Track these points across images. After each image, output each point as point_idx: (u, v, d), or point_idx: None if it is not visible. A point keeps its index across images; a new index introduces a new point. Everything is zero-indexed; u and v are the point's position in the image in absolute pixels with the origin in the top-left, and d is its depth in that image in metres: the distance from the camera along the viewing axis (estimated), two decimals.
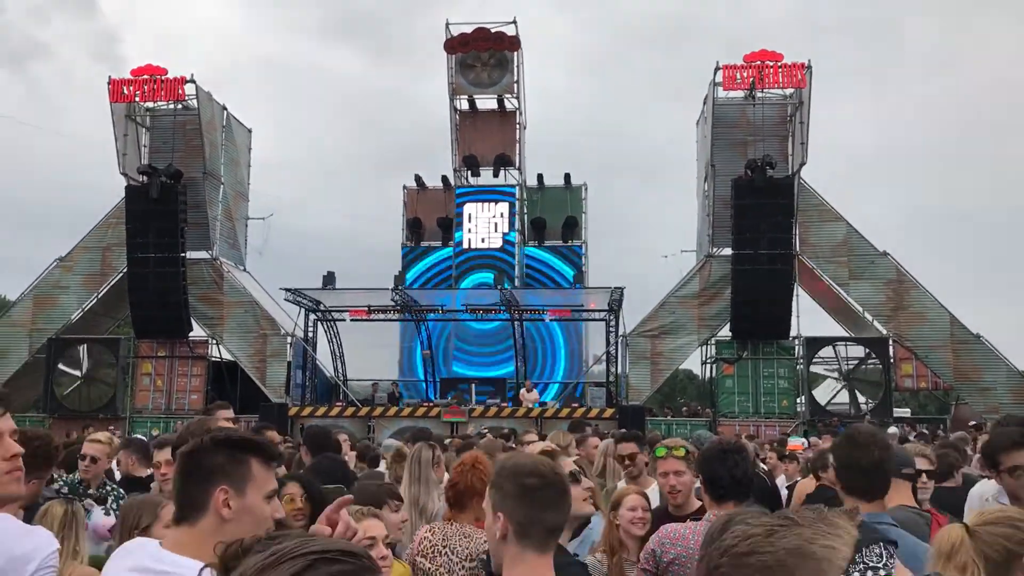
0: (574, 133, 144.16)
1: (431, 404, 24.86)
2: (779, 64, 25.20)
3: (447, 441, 10.58)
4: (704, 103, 27.03)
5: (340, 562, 1.27)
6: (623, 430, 8.87)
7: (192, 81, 26.56)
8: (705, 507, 4.47)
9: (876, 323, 25.74)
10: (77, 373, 27.11)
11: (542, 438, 10.03)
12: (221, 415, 6.02)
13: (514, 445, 9.80)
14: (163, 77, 26.50)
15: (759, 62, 25.24)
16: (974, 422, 20.61)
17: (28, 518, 3.13)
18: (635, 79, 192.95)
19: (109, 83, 26.38)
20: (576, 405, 25.13)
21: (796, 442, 11.37)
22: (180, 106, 26.97)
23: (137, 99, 26.67)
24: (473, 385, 26.14)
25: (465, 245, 29.60)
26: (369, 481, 5.14)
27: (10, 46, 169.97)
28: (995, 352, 25.12)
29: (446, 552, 3.93)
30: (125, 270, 26.56)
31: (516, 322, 27.03)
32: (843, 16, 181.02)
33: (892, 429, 20.30)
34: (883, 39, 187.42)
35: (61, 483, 5.23)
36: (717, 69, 25.48)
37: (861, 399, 25.81)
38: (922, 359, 25.25)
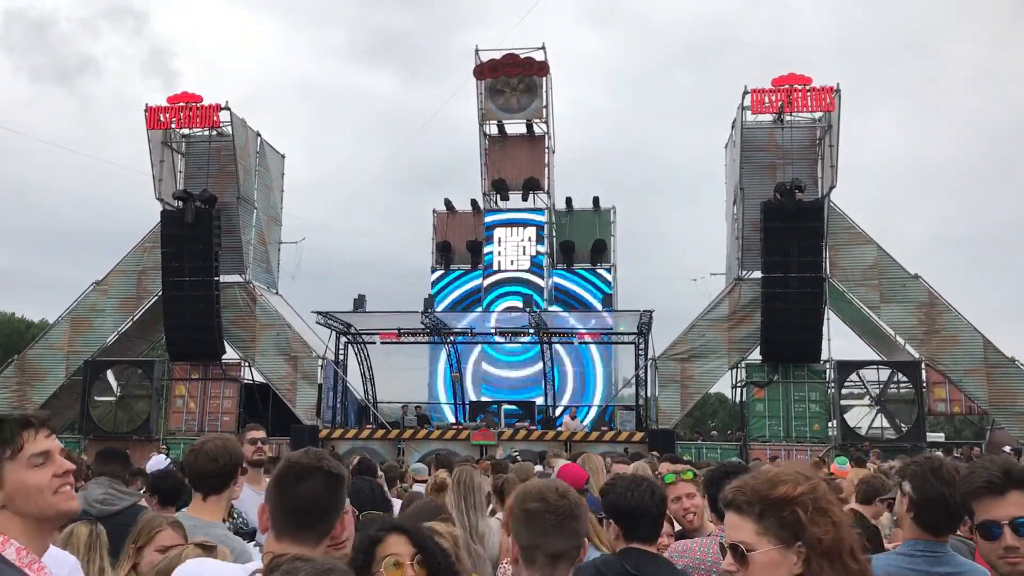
0: (604, 153, 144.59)
1: (461, 427, 24.94)
2: (808, 88, 25.19)
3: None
4: (732, 126, 27.07)
5: None
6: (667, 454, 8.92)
7: (227, 108, 27.06)
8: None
9: (908, 347, 25.51)
10: (112, 395, 27.57)
11: (573, 458, 10.10)
12: (251, 435, 6.17)
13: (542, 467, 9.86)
14: (198, 104, 27.02)
15: (787, 86, 25.26)
16: (1010, 447, 20.39)
17: None
18: (666, 99, 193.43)
19: (146, 111, 26.94)
20: (606, 428, 25.09)
21: (842, 467, 9.86)
22: (215, 133, 27.46)
23: (173, 126, 27.21)
24: (503, 408, 26.21)
25: (494, 268, 29.75)
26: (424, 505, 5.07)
27: (60, 60, 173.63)
28: None
29: None
30: (160, 294, 26.99)
31: (545, 344, 27.10)
32: (879, 33, 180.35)
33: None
34: (919, 56, 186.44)
35: None
36: (745, 93, 25.52)
37: (892, 424, 25.57)
38: (955, 383, 24.96)
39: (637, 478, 3.62)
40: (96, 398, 27.19)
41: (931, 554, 2.99)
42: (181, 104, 27.06)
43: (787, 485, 1.96)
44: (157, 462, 8.33)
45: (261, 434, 5.89)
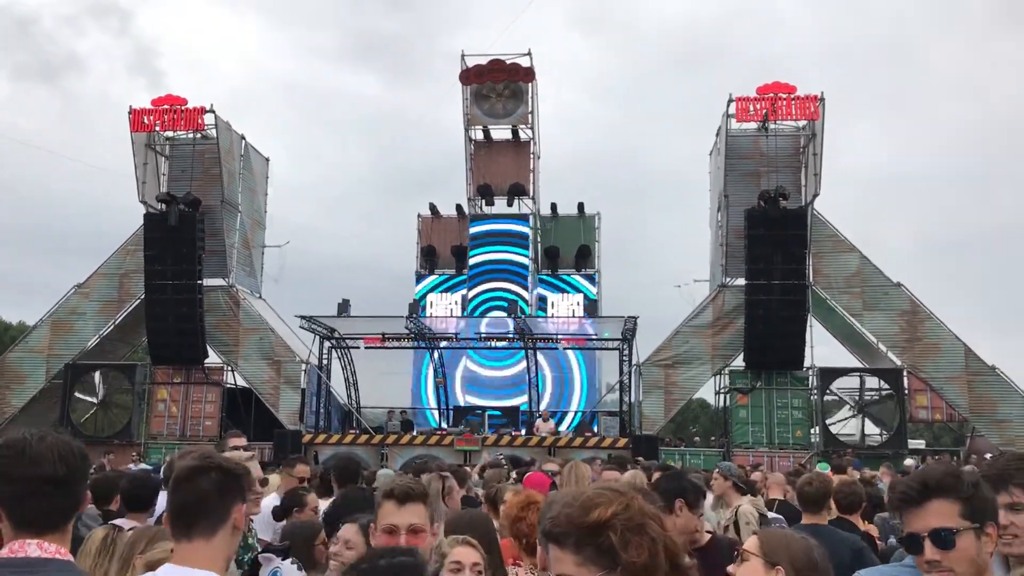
0: (589, 159, 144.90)
1: (444, 432, 24.90)
2: (792, 96, 25.37)
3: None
4: (717, 134, 27.21)
5: None
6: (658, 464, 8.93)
7: (211, 111, 26.95)
8: (714, 536, 4.90)
9: (890, 354, 25.69)
10: (93, 399, 27.39)
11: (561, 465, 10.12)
12: (232, 443, 6.12)
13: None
14: (183, 107, 26.90)
15: (772, 94, 25.42)
16: (990, 454, 20.55)
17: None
18: (652, 106, 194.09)
19: (130, 113, 26.78)
20: (589, 434, 25.12)
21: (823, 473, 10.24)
22: (199, 135, 27.35)
23: (157, 128, 27.06)
24: (486, 413, 26.19)
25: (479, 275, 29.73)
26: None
27: (43, 58, 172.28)
28: (1011, 384, 24.99)
29: None
30: (142, 297, 26.81)
31: (530, 351, 27.11)
32: (862, 42, 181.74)
33: (908, 461, 20.28)
34: (901, 64, 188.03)
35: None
36: (730, 101, 25.67)
37: (876, 430, 25.76)
38: (937, 391, 25.14)
39: None
40: (77, 402, 26.97)
41: None
42: (166, 107, 26.92)
43: (600, 508, 1.86)
44: (138, 471, 8.26)
45: (242, 441, 5.82)
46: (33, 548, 2.05)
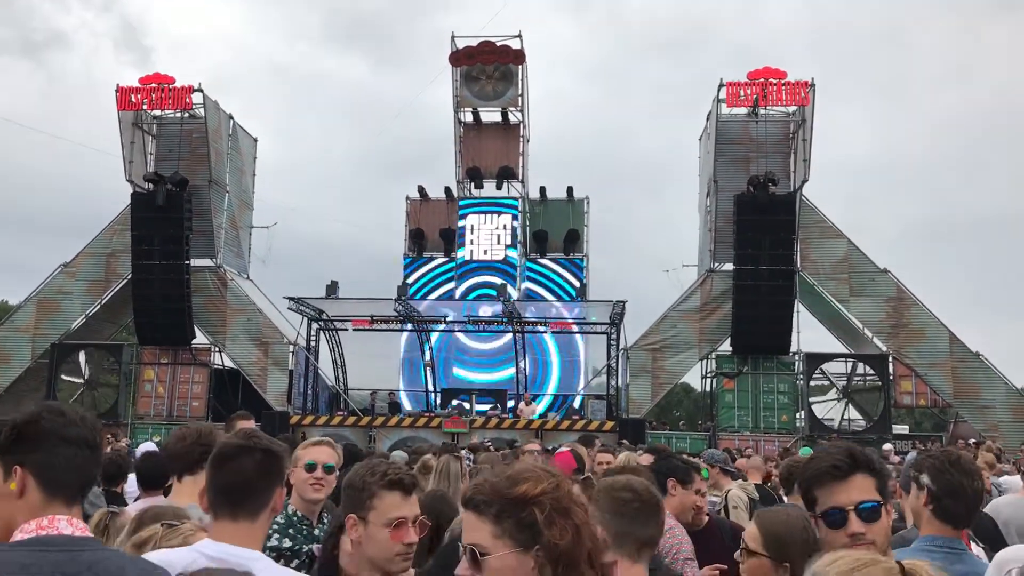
0: (578, 142, 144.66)
1: (432, 415, 24.94)
2: (783, 82, 25.42)
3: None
4: (707, 119, 27.24)
5: None
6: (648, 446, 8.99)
7: (199, 90, 26.77)
8: (712, 520, 4.97)
9: (876, 340, 25.89)
10: (80, 379, 27.27)
11: (548, 450, 10.17)
12: (239, 424, 6.11)
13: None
14: (171, 86, 26.70)
15: (763, 79, 25.46)
16: (973, 439, 20.76)
17: None
18: (641, 89, 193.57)
19: (117, 91, 26.56)
20: (577, 417, 25.22)
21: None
22: (187, 115, 27.16)
23: (144, 107, 26.86)
24: (474, 396, 26.24)
25: (467, 257, 29.74)
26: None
27: (26, 32, 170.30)
28: (994, 370, 25.26)
29: None
30: (129, 277, 26.69)
31: (518, 334, 27.16)
32: (850, 25, 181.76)
33: (887, 446, 20.45)
34: (891, 50, 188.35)
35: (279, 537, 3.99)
36: (721, 86, 25.68)
37: (860, 415, 25.97)
38: (921, 376, 25.37)
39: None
40: (63, 381, 26.85)
41: (950, 550, 2.94)
42: (153, 85, 26.73)
43: (528, 483, 1.83)
44: (147, 449, 8.25)
45: (250, 423, 5.81)
46: (64, 524, 2.04)
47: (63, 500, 2.08)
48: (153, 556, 2.44)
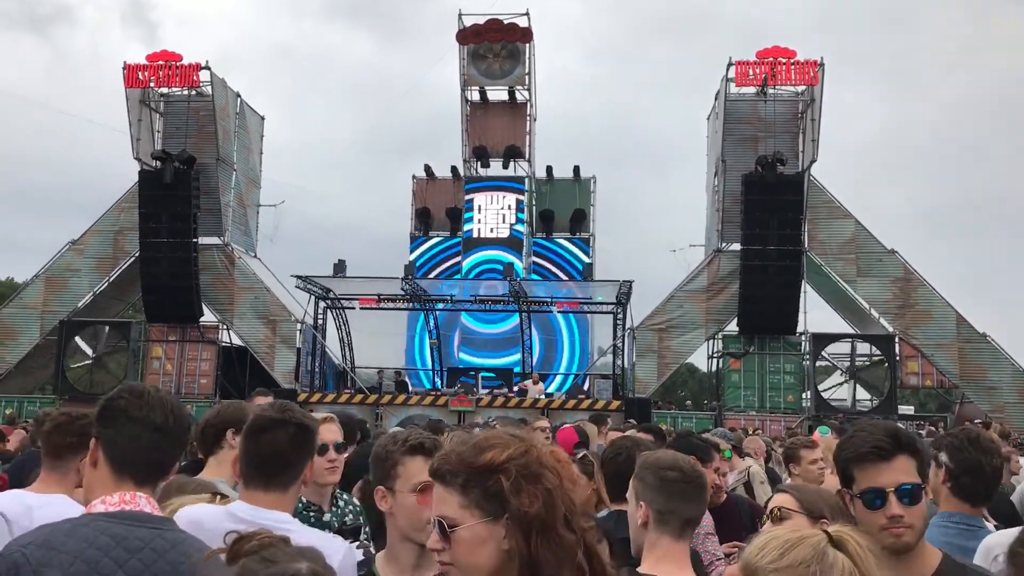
0: (584, 122, 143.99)
1: (439, 393, 25.02)
2: (792, 61, 25.29)
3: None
4: (716, 98, 27.13)
5: None
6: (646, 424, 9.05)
7: (207, 67, 26.71)
8: (730, 497, 5.06)
9: (883, 320, 25.89)
10: (88, 355, 27.40)
11: (554, 429, 10.22)
12: (258, 401, 6.16)
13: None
14: (178, 63, 26.64)
15: (772, 59, 25.33)
16: (979, 420, 20.80)
17: None
18: (649, 68, 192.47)
19: (124, 68, 26.52)
20: (583, 396, 25.27)
21: (824, 437, 9.77)
22: (194, 92, 27.11)
23: (152, 85, 26.82)
24: (480, 375, 26.32)
25: (474, 236, 29.74)
26: None
27: (31, 7, 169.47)
28: (1001, 351, 25.27)
29: None
30: (137, 254, 26.75)
31: (524, 314, 27.20)
32: (860, 6, 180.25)
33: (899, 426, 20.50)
34: (899, 31, 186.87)
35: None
36: (730, 65, 25.56)
37: (866, 396, 26.02)
38: (928, 357, 25.39)
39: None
40: (71, 358, 26.99)
41: (967, 527, 2.99)
42: (160, 62, 26.68)
43: (494, 451, 1.78)
44: None
45: (269, 399, 5.84)
46: (144, 502, 2.12)
47: (131, 478, 2.17)
48: (184, 513, 2.52)
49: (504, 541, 1.72)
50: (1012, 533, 2.73)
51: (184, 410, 2.26)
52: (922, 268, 26.05)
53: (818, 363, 25.92)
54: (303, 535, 2.37)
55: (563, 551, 1.72)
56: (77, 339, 27.21)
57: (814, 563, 1.53)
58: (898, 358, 25.35)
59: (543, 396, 24.53)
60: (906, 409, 28.53)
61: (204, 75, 26.75)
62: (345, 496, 4.00)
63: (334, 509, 3.82)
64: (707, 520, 4.09)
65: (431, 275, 29.78)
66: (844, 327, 27.77)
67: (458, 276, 29.20)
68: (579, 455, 4.81)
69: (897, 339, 25.47)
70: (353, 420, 7.51)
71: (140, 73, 26.57)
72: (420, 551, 2.56)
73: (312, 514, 3.69)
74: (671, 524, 2.67)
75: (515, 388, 25.89)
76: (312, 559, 1.47)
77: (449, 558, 1.77)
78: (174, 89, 27.30)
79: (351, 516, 3.90)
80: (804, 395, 25.84)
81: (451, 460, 1.80)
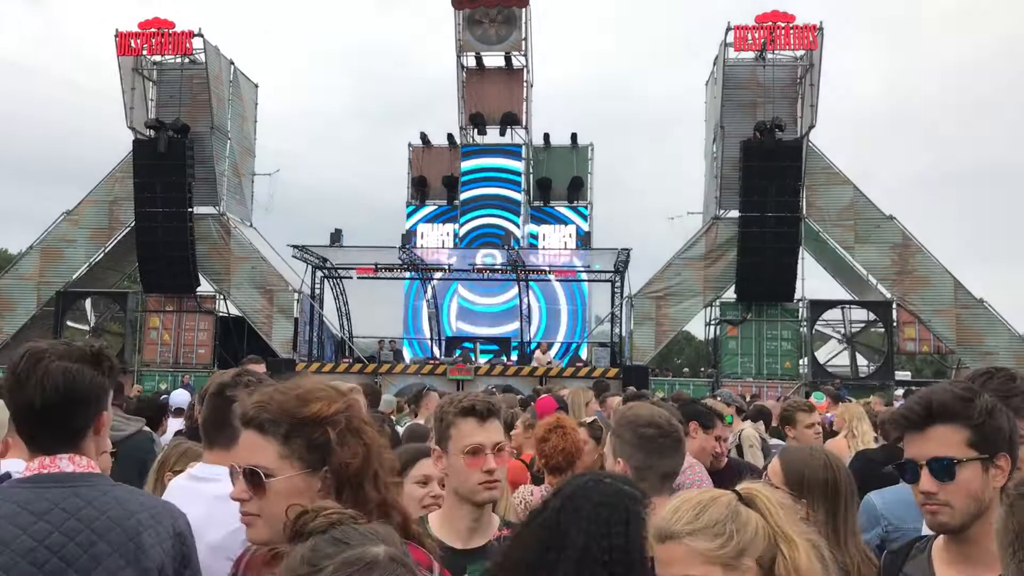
0: (583, 89, 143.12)
1: (437, 362, 25.06)
2: (791, 25, 25.05)
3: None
4: (714, 63, 26.91)
5: None
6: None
7: (200, 35, 26.42)
8: (730, 461, 5.16)
9: (880, 287, 25.89)
10: (85, 326, 27.40)
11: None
12: (250, 368, 6.12)
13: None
14: (171, 31, 26.33)
15: (771, 23, 25.09)
16: None
17: None
18: (647, 33, 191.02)
19: (116, 36, 26.21)
20: (581, 364, 25.33)
21: (819, 403, 9.72)
22: (187, 60, 26.84)
23: (144, 52, 26.52)
24: (478, 343, 26.34)
25: (471, 205, 29.57)
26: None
27: None
28: (998, 316, 25.32)
29: None
30: (132, 224, 26.62)
31: (522, 282, 27.17)
32: None
33: (898, 392, 20.58)
34: None
35: None
36: (728, 29, 25.32)
37: (863, 362, 26.09)
38: (925, 323, 25.44)
39: None
40: (69, 328, 26.95)
41: None
42: (153, 30, 26.34)
43: (321, 403, 1.76)
44: (180, 396, 8.34)
45: (261, 367, 5.77)
46: (65, 462, 2.07)
47: (39, 446, 2.11)
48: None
49: (319, 494, 1.72)
50: None
51: (76, 378, 2.09)
52: (920, 234, 26.07)
53: (816, 329, 25.94)
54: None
55: (367, 506, 1.72)
56: (73, 310, 27.15)
57: (728, 521, 1.52)
58: (896, 324, 25.39)
59: (553, 363, 24.56)
60: (903, 375, 28.63)
61: (197, 43, 26.46)
62: None
63: None
64: (707, 483, 4.09)
65: (428, 239, 29.61)
66: (842, 294, 27.77)
67: (455, 243, 29.08)
68: (589, 421, 4.87)
69: (895, 305, 25.49)
70: (374, 389, 7.55)
71: (132, 41, 26.26)
72: (477, 514, 2.61)
73: None
74: (649, 480, 2.68)
75: (514, 355, 26.00)
76: (388, 540, 1.37)
77: (256, 509, 1.73)
78: (167, 57, 27.01)
79: None
80: (801, 361, 25.91)
81: (271, 409, 1.76)
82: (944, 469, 2.08)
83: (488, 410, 2.65)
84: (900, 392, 18.67)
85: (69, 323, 27.01)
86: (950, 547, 2.16)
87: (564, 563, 1.87)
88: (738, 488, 1.61)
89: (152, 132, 25.71)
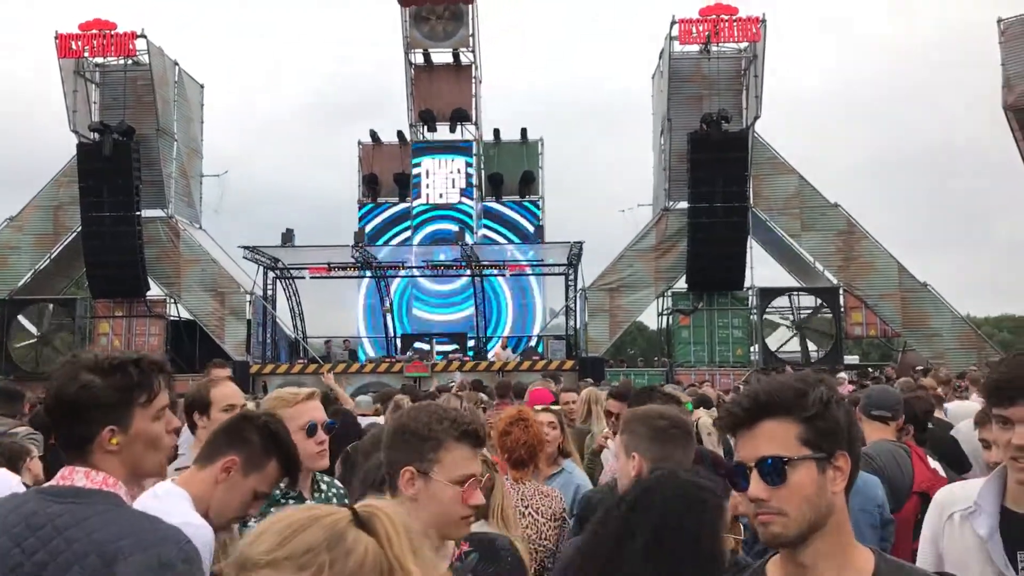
0: (531, 84, 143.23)
1: (393, 360, 25.04)
2: (734, 18, 25.44)
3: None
4: (660, 57, 27.23)
5: None
6: (614, 386, 9.24)
7: (143, 36, 26.04)
8: (697, 451, 5.11)
9: (827, 273, 26.43)
10: (33, 334, 26.87)
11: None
12: (215, 372, 6.14)
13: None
14: (113, 32, 25.91)
15: (715, 16, 25.46)
16: (920, 367, 21.42)
17: None
18: (596, 27, 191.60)
19: (56, 38, 25.73)
20: (537, 358, 25.48)
21: None
22: (131, 62, 26.45)
23: (86, 55, 26.07)
24: (434, 339, 26.35)
25: (423, 201, 29.57)
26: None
27: None
28: (941, 299, 26.00)
29: (530, 514, 3.88)
30: (79, 229, 26.18)
31: (477, 278, 27.24)
32: None
33: (842, 375, 21.00)
34: None
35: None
36: (673, 23, 25.64)
37: (812, 347, 26.59)
38: (871, 307, 26.03)
39: None
40: (15, 337, 26.44)
41: None
42: (94, 31, 25.91)
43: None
44: None
45: (225, 371, 5.75)
46: (80, 477, 2.08)
47: (66, 454, 2.15)
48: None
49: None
50: (969, 486, 2.53)
51: (73, 387, 2.07)
52: (864, 220, 26.63)
53: (765, 317, 26.40)
54: (173, 514, 2.20)
55: None
56: (20, 318, 26.64)
57: (324, 550, 1.20)
58: (843, 309, 25.94)
59: (511, 358, 24.65)
60: (851, 359, 29.24)
61: (140, 44, 26.07)
62: (327, 478, 3.46)
63: (316, 495, 3.30)
64: None
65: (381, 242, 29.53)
66: (790, 281, 28.27)
67: (409, 243, 29.02)
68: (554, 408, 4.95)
69: (841, 291, 26.04)
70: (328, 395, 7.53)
71: (73, 43, 25.79)
72: (440, 543, 2.31)
73: (291, 501, 3.13)
74: None
75: (470, 351, 26.08)
76: None
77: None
78: (110, 59, 26.59)
79: (335, 501, 3.32)
80: (752, 348, 26.34)
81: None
82: (773, 470, 1.75)
83: (484, 437, 2.39)
84: (843, 375, 19.02)
85: (16, 331, 26.47)
86: (787, 566, 1.81)
87: (636, 553, 1.91)
88: (358, 506, 1.28)
89: (96, 135, 25.29)
